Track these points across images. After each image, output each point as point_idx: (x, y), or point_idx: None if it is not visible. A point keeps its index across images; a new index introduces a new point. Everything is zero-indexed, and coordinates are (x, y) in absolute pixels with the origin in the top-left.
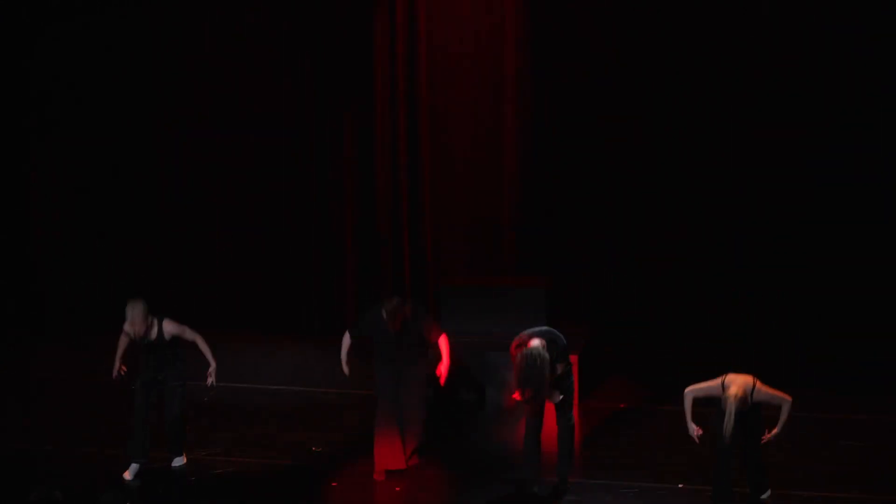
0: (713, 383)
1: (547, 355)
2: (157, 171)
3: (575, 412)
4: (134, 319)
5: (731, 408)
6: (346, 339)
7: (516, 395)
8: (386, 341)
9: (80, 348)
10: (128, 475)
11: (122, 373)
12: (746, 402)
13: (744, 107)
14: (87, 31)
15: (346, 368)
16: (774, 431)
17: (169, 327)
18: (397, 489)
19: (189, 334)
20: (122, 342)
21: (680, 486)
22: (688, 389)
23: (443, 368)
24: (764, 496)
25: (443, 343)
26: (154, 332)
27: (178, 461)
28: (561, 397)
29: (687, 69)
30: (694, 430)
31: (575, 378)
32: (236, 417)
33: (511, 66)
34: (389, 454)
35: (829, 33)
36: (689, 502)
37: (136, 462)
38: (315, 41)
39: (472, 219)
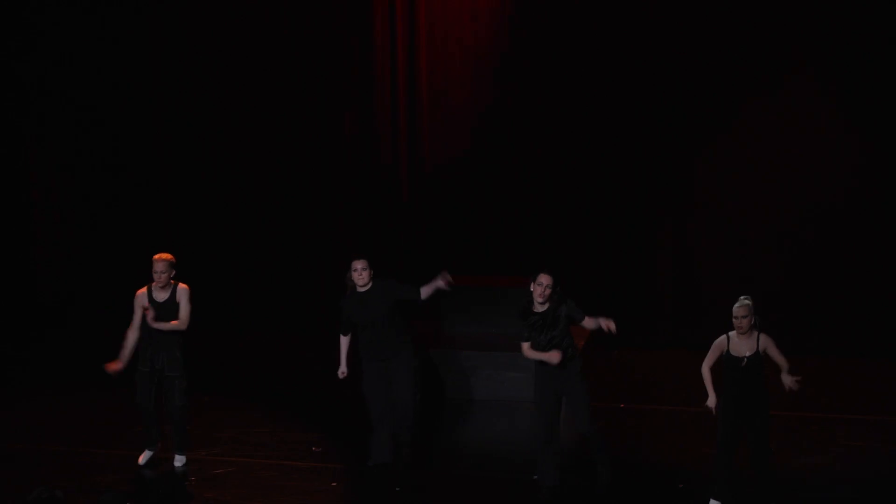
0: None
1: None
2: (157, 170)
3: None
4: (159, 267)
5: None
6: (343, 340)
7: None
8: (367, 321)
9: (80, 348)
10: (141, 460)
11: (119, 370)
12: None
13: (744, 107)
14: (86, 29)
15: (343, 369)
16: (789, 376)
17: (182, 291)
18: (397, 489)
19: (184, 310)
20: (131, 337)
21: (680, 486)
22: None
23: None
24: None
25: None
26: (167, 294)
27: (180, 460)
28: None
29: (686, 69)
30: (713, 400)
31: None
32: (237, 417)
33: (511, 65)
34: (380, 449)
35: (830, 33)
36: (689, 502)
37: (149, 450)
38: (315, 42)
39: (471, 217)
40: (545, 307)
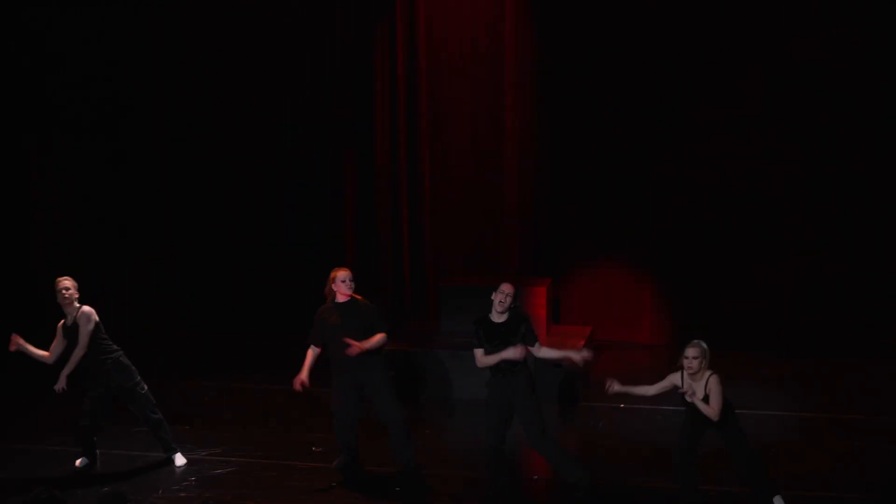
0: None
1: None
2: (157, 171)
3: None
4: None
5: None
6: (312, 352)
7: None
8: (343, 334)
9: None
10: (78, 463)
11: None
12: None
13: (742, 106)
14: (87, 29)
15: (303, 378)
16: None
17: (83, 315)
18: (397, 489)
19: (83, 335)
20: (57, 347)
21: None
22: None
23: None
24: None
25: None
26: (73, 316)
27: (180, 459)
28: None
29: (684, 71)
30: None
31: None
32: (236, 417)
33: (511, 68)
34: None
35: (831, 32)
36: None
37: (87, 460)
38: (317, 44)
39: (472, 219)
40: (504, 317)
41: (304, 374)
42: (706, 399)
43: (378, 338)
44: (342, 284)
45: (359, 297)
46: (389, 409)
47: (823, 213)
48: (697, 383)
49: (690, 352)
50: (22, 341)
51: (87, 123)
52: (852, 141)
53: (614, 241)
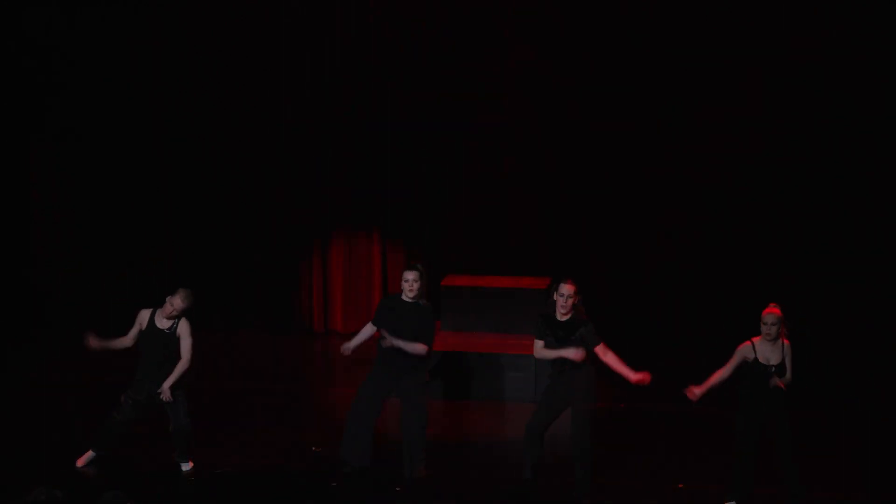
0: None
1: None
2: (157, 171)
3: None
4: (176, 299)
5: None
6: (368, 328)
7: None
8: (393, 329)
9: (80, 349)
10: (81, 462)
11: (94, 344)
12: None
13: (742, 106)
14: (88, 29)
15: (349, 346)
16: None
17: (183, 327)
18: (397, 489)
19: (186, 349)
20: (119, 342)
21: (680, 486)
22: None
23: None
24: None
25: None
26: (169, 324)
27: (185, 467)
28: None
29: (684, 71)
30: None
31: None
32: (236, 417)
33: (509, 66)
34: (353, 449)
35: (830, 32)
36: (690, 502)
37: (95, 453)
38: (317, 44)
39: (472, 219)
40: (567, 317)
41: (351, 343)
42: (782, 366)
43: (416, 346)
44: (405, 284)
45: (429, 304)
46: (412, 418)
47: (823, 213)
48: (773, 349)
49: (769, 318)
50: (96, 340)
51: (87, 123)
52: (852, 141)
53: (614, 241)
